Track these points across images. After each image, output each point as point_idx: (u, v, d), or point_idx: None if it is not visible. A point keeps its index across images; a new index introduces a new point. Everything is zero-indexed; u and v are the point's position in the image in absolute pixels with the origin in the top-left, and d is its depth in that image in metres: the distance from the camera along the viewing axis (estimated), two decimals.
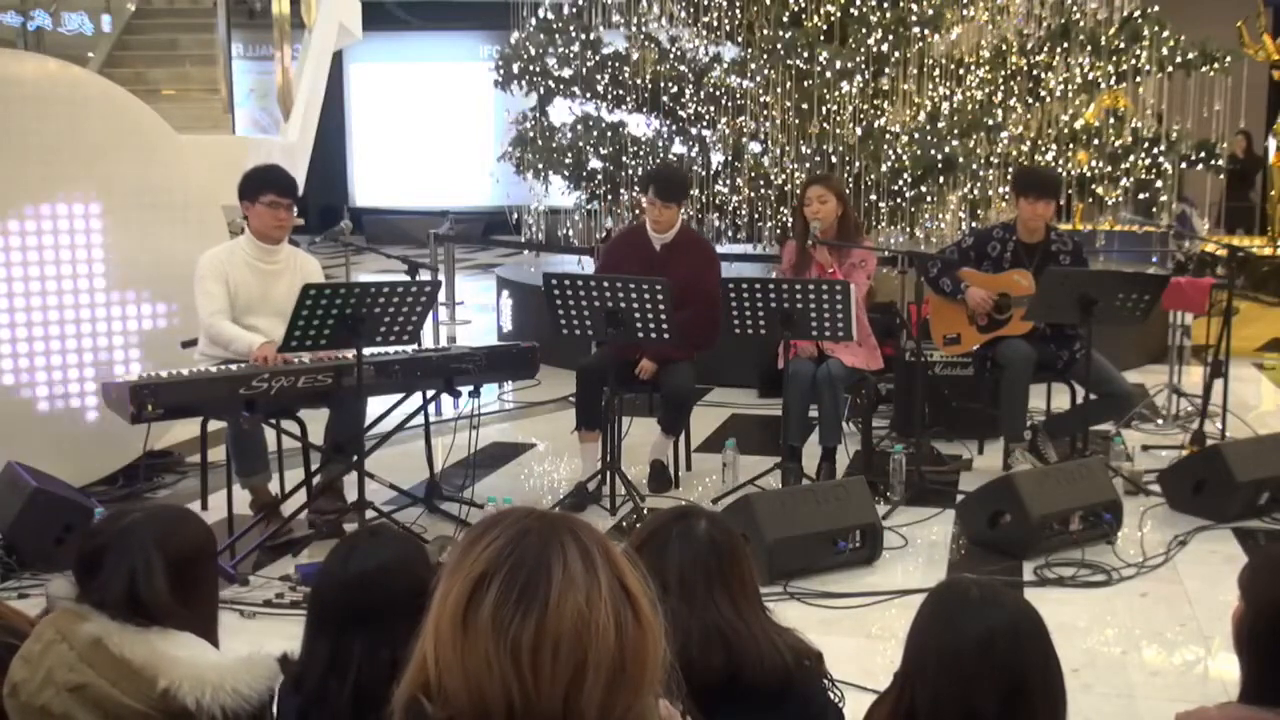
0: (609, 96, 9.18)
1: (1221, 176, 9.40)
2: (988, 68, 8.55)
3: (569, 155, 9.14)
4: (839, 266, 5.44)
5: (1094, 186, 8.68)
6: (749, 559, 2.13)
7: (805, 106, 8.23)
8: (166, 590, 2.12)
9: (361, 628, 2.04)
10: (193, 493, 5.18)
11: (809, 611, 4.01)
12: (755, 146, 8.80)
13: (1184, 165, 8.72)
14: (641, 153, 8.84)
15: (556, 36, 9.35)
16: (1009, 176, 7.69)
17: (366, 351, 4.53)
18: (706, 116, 8.92)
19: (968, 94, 8.46)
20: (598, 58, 9.15)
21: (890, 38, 8.06)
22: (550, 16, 9.48)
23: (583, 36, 9.18)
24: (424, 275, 5.27)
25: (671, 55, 9.01)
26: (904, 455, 5.26)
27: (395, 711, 1.28)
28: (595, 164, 9.12)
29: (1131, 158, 8.55)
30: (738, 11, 8.55)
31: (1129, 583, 4.30)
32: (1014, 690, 1.76)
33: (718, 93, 8.73)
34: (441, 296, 8.34)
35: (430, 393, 4.98)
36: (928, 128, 8.10)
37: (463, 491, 5.15)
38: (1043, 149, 8.53)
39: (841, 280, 5.06)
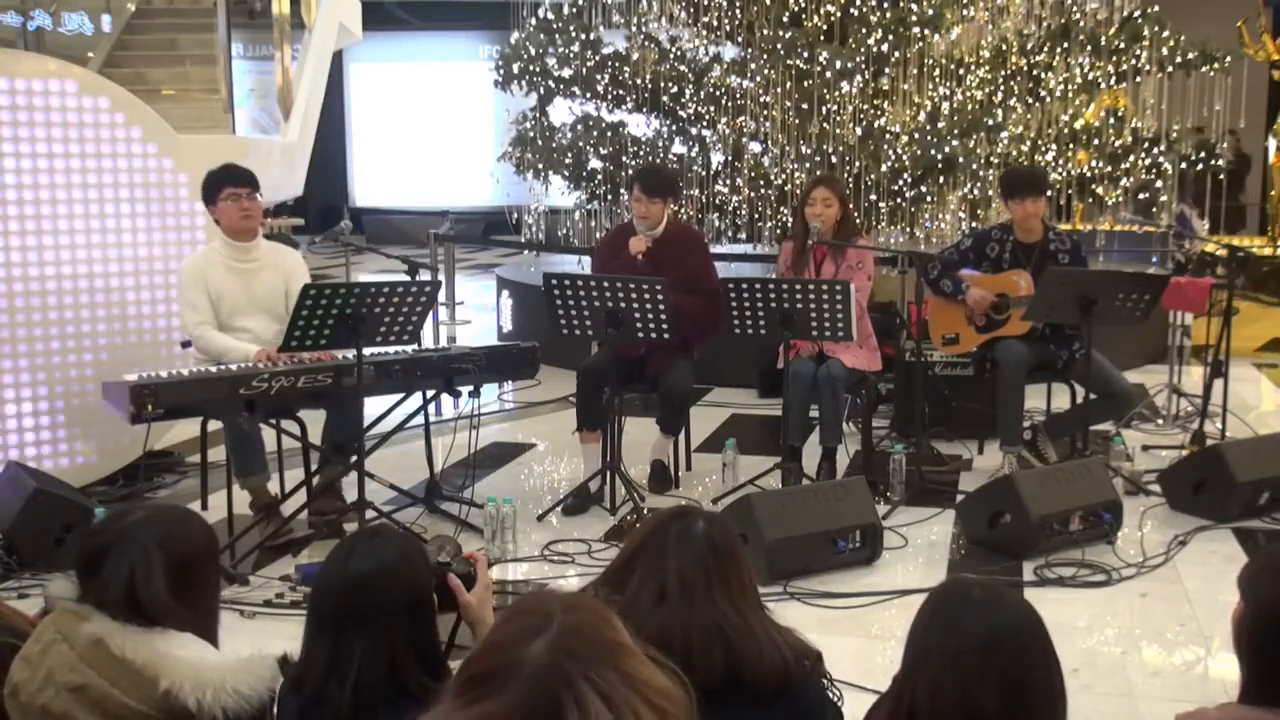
0: (609, 96, 9.18)
1: (1221, 177, 9.40)
2: (988, 68, 8.55)
3: (569, 155, 9.14)
4: (837, 268, 5.44)
5: (1094, 186, 8.68)
6: (746, 559, 2.13)
7: (805, 106, 8.22)
8: (166, 590, 2.11)
9: (361, 628, 2.04)
10: (193, 493, 5.18)
11: (809, 611, 4.01)
12: (755, 146, 8.80)
13: (1184, 165, 8.73)
14: (641, 153, 8.84)
15: (556, 36, 9.35)
16: None
17: (366, 351, 4.53)
18: (706, 116, 8.92)
19: (968, 94, 8.46)
20: (598, 58, 9.15)
21: (890, 38, 8.06)
22: (550, 16, 9.48)
23: (583, 36, 9.18)
24: (424, 275, 5.28)
25: (671, 55, 9.00)
26: (904, 455, 5.26)
27: None
28: (595, 164, 9.13)
29: (1131, 158, 8.56)
30: (738, 11, 8.55)
31: (1129, 583, 4.30)
32: (1014, 691, 1.75)
33: (718, 93, 8.73)
34: (441, 296, 8.33)
35: (430, 393, 4.98)
36: (928, 128, 8.10)
37: (463, 491, 5.15)
38: (1043, 149, 8.53)
39: (841, 280, 5.06)
